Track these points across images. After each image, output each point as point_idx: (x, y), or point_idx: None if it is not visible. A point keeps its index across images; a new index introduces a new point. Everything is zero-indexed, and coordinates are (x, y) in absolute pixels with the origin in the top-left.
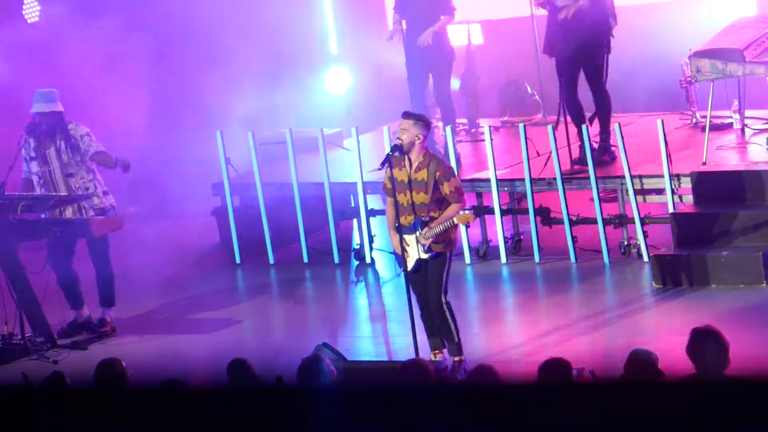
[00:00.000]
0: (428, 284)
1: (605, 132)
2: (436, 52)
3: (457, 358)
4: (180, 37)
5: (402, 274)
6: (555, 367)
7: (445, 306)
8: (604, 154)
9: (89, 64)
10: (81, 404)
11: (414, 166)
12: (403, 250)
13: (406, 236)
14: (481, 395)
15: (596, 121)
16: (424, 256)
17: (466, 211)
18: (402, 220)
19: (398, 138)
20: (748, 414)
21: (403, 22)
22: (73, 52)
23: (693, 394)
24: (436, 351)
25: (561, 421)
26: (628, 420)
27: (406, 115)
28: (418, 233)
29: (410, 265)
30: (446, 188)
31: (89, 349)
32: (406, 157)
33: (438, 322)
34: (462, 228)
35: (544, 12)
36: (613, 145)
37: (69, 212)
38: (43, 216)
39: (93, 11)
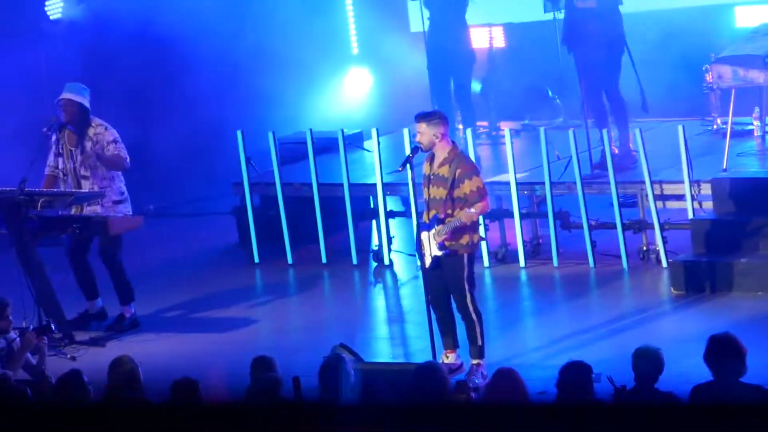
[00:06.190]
0: (448, 286)
1: (624, 136)
2: (457, 54)
3: (475, 361)
4: (200, 37)
5: (420, 275)
6: (575, 371)
7: (471, 309)
8: (625, 159)
9: (109, 58)
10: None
11: (437, 161)
12: (421, 248)
13: (423, 233)
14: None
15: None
16: (438, 253)
17: (470, 210)
18: (424, 216)
19: (418, 141)
20: None
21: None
22: (92, 47)
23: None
24: (448, 351)
25: None
26: None
27: (419, 117)
28: (434, 230)
29: (428, 262)
30: (466, 187)
31: (107, 346)
32: (431, 152)
33: (465, 324)
34: (482, 231)
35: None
36: (634, 150)
37: (89, 210)
38: (62, 212)
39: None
